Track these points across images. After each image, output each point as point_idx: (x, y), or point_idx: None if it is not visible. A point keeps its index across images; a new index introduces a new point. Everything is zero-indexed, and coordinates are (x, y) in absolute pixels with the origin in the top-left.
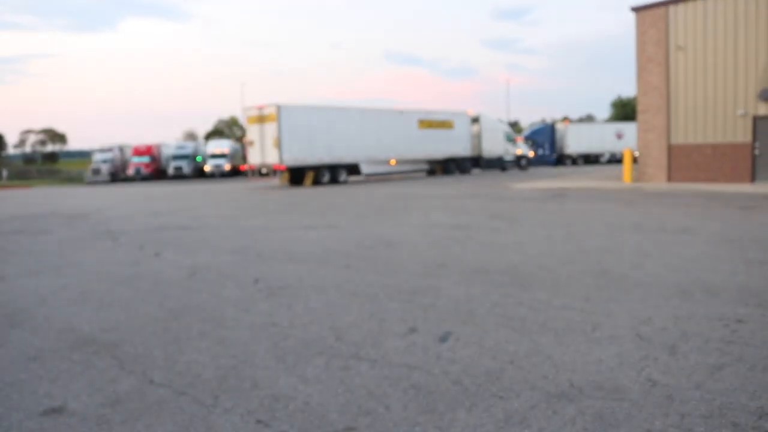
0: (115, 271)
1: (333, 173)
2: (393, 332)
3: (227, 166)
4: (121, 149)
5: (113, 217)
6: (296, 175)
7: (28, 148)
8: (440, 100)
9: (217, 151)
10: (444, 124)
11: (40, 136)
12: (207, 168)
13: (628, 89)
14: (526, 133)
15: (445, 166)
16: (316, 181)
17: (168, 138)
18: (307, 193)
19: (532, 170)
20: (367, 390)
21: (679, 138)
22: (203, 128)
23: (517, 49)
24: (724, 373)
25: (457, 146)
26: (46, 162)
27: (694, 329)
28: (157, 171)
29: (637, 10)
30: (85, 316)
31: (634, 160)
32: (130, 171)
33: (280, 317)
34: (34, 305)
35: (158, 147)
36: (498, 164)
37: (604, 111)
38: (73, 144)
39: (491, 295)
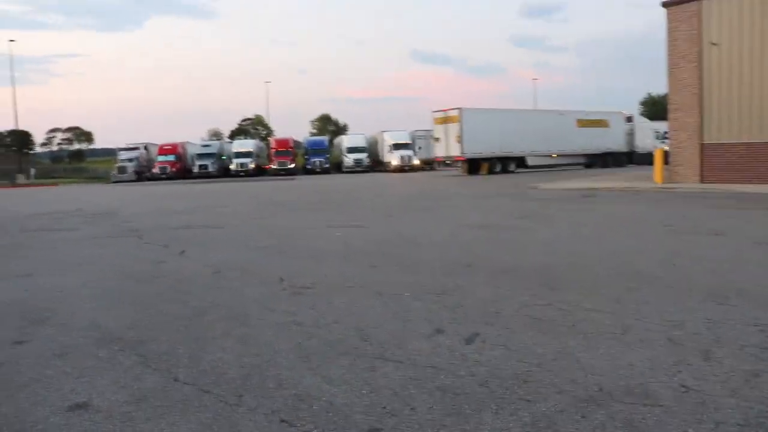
0: (139, 269)
1: (504, 164)
2: (419, 333)
3: (252, 165)
4: (147, 148)
5: (138, 214)
6: (473, 166)
7: (54, 147)
8: (466, 99)
9: (243, 149)
10: (599, 123)
11: (67, 135)
12: (232, 167)
13: (658, 87)
14: None
15: (603, 160)
16: (490, 171)
17: (193, 137)
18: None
19: (550, 173)
20: (392, 391)
21: (712, 137)
22: (228, 127)
23: (546, 47)
24: (761, 380)
25: (611, 142)
26: (73, 160)
27: (729, 334)
28: (182, 169)
29: (667, 5)
30: (110, 313)
31: (665, 159)
32: (156, 169)
33: (304, 316)
34: (60, 302)
35: (183, 145)
36: (649, 159)
37: (634, 110)
38: (100, 142)
39: (519, 295)
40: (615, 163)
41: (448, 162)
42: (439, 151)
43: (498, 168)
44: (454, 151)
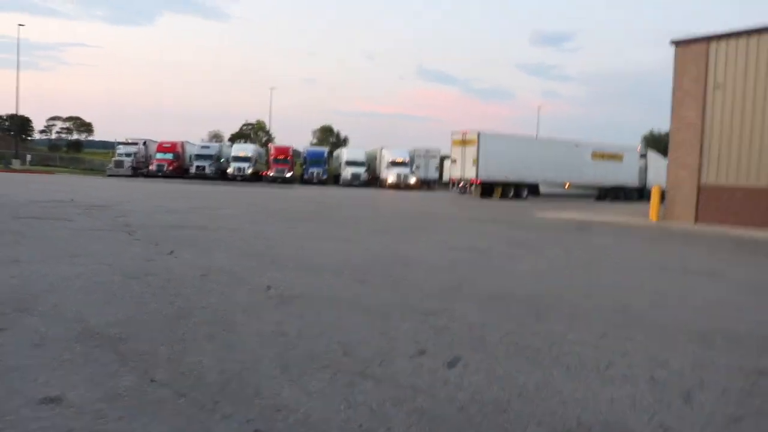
0: (128, 265)
1: (517, 190)
2: (402, 352)
3: (250, 170)
4: (146, 144)
5: (133, 210)
6: (487, 189)
7: (53, 135)
8: (471, 120)
9: (241, 154)
10: (614, 157)
11: (67, 124)
12: (230, 170)
13: (661, 124)
14: None
15: (614, 193)
16: (503, 195)
17: (193, 136)
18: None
19: (554, 201)
20: (369, 409)
21: (710, 178)
22: (229, 130)
23: (554, 75)
24: (741, 425)
25: (625, 177)
26: (70, 150)
27: (713, 377)
28: (179, 168)
29: (677, 44)
30: (94, 307)
31: (662, 198)
32: (153, 166)
33: (290, 327)
34: (45, 292)
35: (183, 145)
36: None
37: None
38: (99, 134)
39: (505, 323)
40: (626, 198)
41: (465, 185)
42: (455, 173)
43: (511, 193)
44: (470, 173)
